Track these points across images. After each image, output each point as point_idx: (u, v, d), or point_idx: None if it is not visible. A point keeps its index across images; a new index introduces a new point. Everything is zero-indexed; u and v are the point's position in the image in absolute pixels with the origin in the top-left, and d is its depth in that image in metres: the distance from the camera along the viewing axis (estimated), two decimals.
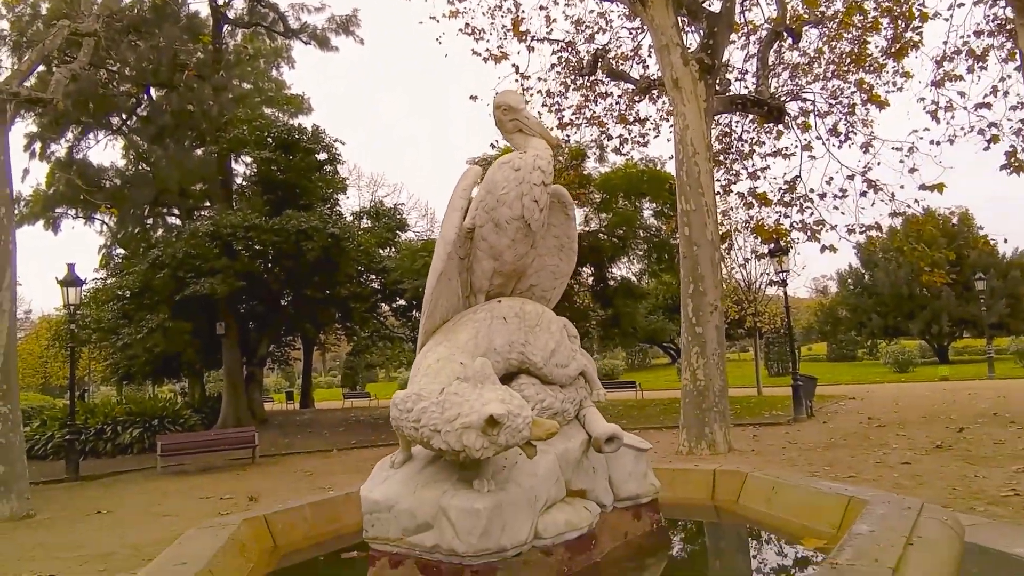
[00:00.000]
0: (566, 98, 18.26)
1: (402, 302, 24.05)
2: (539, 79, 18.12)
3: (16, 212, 28.08)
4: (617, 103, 18.46)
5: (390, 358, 43.97)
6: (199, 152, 23.01)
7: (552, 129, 22.37)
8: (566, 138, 24.14)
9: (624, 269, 27.35)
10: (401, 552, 2.95)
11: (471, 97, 19.23)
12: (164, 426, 19.16)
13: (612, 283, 26.07)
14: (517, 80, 17.70)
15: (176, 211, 24.50)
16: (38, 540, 8.49)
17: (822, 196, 16.00)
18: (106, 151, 27.05)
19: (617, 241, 24.80)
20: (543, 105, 18.01)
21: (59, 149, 25.14)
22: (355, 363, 44.32)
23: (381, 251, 23.23)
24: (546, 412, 3.37)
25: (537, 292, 3.87)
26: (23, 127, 24.41)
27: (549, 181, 3.38)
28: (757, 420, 17.18)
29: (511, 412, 2.69)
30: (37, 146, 24.50)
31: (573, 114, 18.45)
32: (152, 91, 24.55)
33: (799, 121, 16.84)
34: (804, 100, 16.96)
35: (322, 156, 21.89)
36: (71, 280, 15.71)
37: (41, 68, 21.17)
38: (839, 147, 17.76)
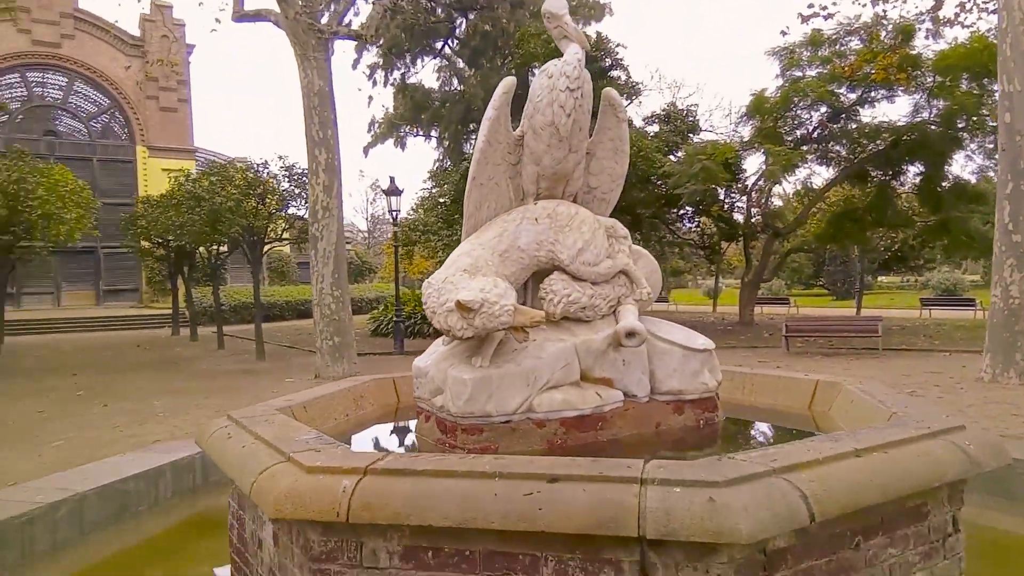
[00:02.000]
0: None
1: (688, 208, 23.80)
2: None
3: (371, 133, 33.64)
4: None
5: (696, 265, 43.61)
6: (502, 70, 24.93)
7: (864, 5, 19.46)
8: (883, 12, 20.82)
9: (961, 167, 23.14)
10: (429, 410, 3.62)
11: None
12: None
13: (944, 184, 22.33)
14: None
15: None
16: None
17: None
18: (435, 75, 30.30)
19: (952, 133, 20.96)
20: None
21: (396, 76, 29.35)
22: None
23: (668, 156, 23.01)
24: (573, 306, 3.65)
25: (598, 194, 4.03)
26: (368, 58, 29.04)
27: (577, 86, 3.51)
28: None
29: (486, 299, 3.11)
30: (379, 75, 28.94)
31: None
32: (468, 15, 27.09)
33: None
34: None
35: (607, 63, 22.12)
36: (392, 190, 18.85)
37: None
38: None
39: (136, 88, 39.03)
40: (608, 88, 4.00)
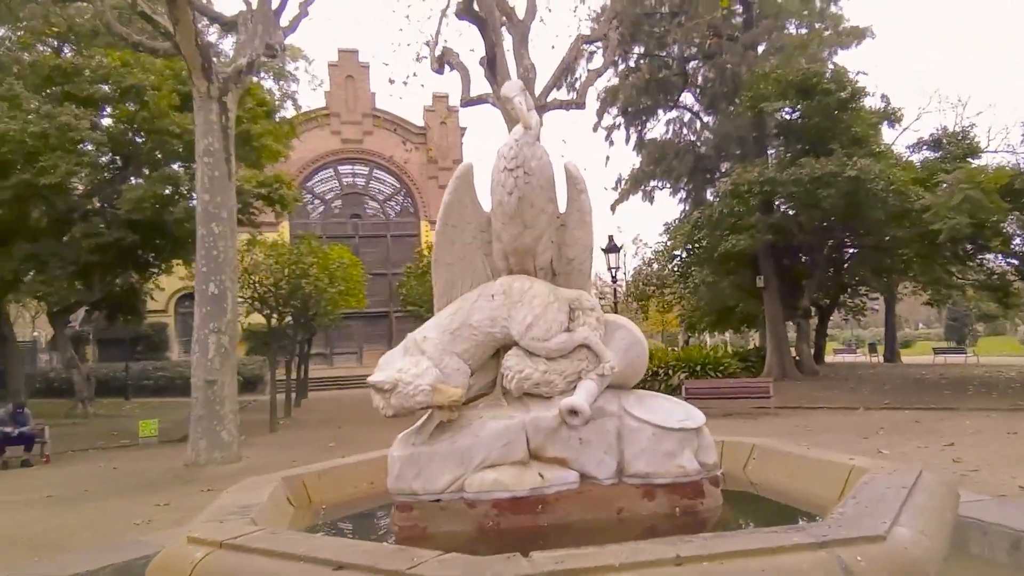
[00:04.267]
0: None
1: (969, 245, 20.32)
2: None
3: (616, 190, 34.52)
4: None
5: (1010, 307, 36.45)
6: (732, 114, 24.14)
7: None
8: None
9: None
10: None
11: None
12: (706, 372, 21.23)
13: None
14: None
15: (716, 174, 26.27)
16: None
17: None
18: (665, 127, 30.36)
19: None
20: None
21: (633, 133, 29.96)
22: (961, 314, 38.11)
23: (933, 187, 20.04)
24: (526, 382, 3.60)
25: (576, 265, 3.91)
26: (606, 120, 30.16)
27: (515, 165, 3.52)
28: None
29: (400, 380, 3.28)
30: (616, 134, 29.81)
31: None
32: (695, 63, 26.84)
33: None
34: None
35: (844, 94, 20.20)
36: (611, 247, 19.18)
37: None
38: None
39: (420, 171, 44.99)
40: (567, 161, 3.92)
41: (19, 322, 41.14)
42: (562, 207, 3.85)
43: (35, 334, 31.61)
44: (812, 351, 26.33)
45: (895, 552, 2.36)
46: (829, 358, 33.86)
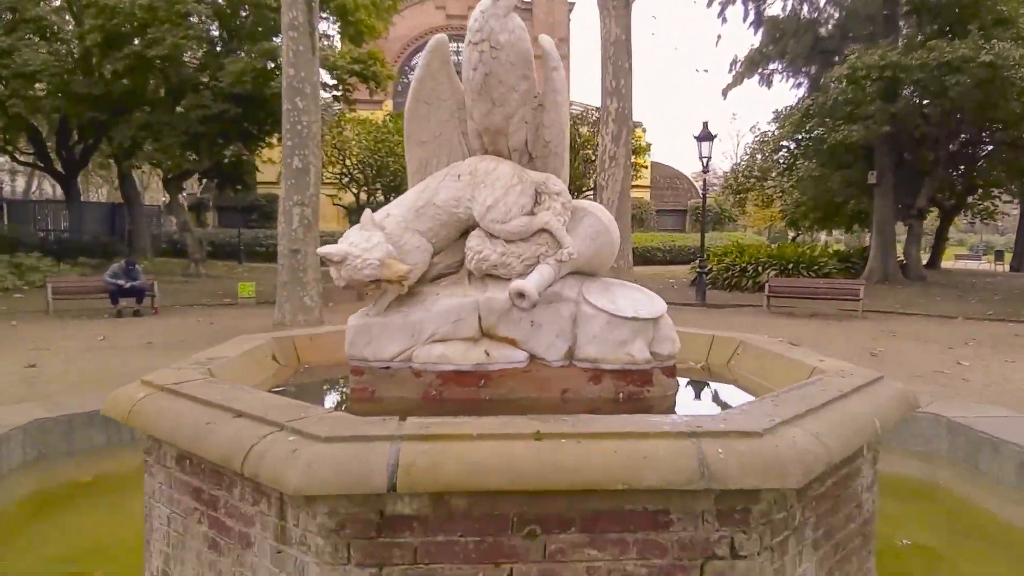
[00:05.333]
0: None
1: None
2: None
3: (731, 73, 32.34)
4: None
5: None
6: None
7: None
8: None
9: None
10: None
11: None
12: (799, 271, 20.33)
13: None
14: None
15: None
16: None
17: None
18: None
19: None
20: None
21: (752, 9, 27.45)
22: None
23: None
24: (484, 263, 3.62)
25: (552, 148, 3.75)
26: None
27: (479, 39, 3.33)
28: None
29: (349, 252, 3.40)
30: (730, 10, 27.41)
31: None
32: None
33: None
34: None
35: None
36: (704, 135, 18.17)
37: None
38: None
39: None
40: (542, 35, 3.69)
41: (151, 188, 44.73)
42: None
43: (163, 199, 34.28)
44: (927, 255, 24.49)
45: (763, 449, 2.31)
46: (948, 264, 31.45)
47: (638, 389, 3.52)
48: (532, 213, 3.61)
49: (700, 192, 21.67)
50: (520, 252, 3.60)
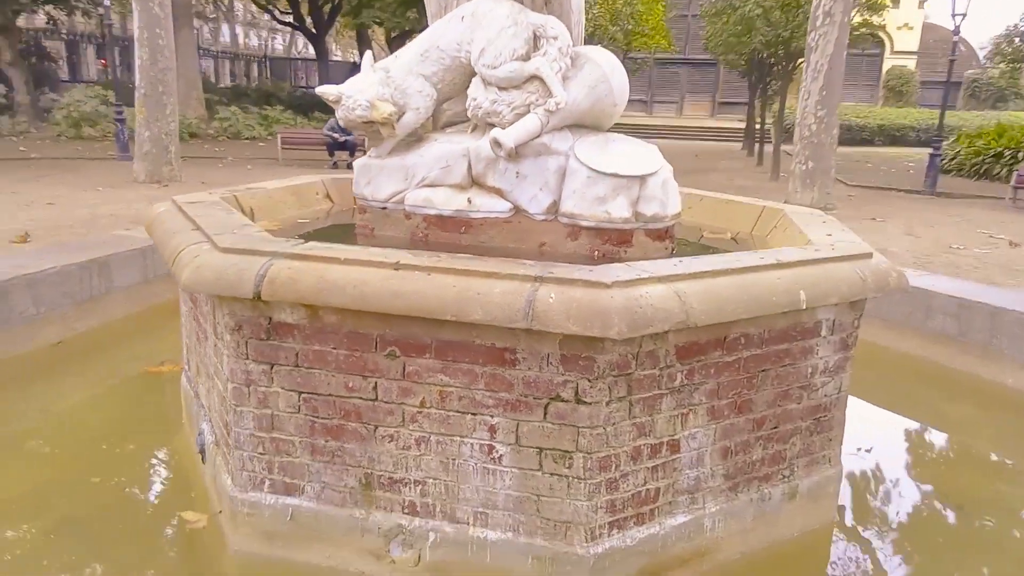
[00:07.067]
0: None
1: None
2: None
3: None
4: None
5: None
6: None
7: None
8: None
9: None
10: None
11: None
12: None
13: None
14: None
15: None
16: None
17: None
18: None
19: None
20: None
21: None
22: None
23: None
24: (479, 110, 3.57)
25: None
26: None
27: None
28: None
29: (343, 93, 3.56)
30: None
31: None
32: None
33: None
34: None
35: None
36: None
37: None
38: None
39: None
40: None
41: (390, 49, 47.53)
42: None
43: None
44: None
45: (598, 299, 2.22)
46: None
47: (615, 248, 3.39)
48: (527, 58, 3.46)
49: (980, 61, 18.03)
50: (511, 100, 3.51)
